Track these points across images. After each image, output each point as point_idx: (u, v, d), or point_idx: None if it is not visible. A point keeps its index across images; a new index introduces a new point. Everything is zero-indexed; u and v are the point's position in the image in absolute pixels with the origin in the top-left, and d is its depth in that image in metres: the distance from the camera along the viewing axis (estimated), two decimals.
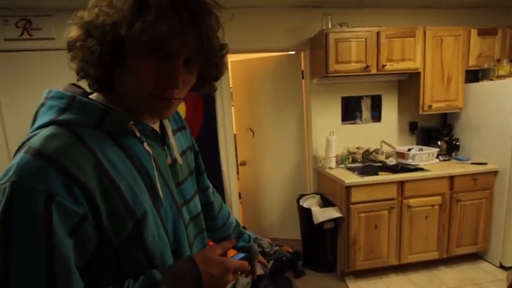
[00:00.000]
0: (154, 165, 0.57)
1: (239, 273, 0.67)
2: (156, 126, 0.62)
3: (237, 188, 2.92)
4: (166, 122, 0.67)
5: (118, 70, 0.51)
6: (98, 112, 0.51)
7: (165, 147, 0.63)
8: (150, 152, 0.57)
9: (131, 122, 0.54)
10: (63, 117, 0.49)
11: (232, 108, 2.99)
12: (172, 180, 0.63)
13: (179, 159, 0.66)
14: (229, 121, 2.76)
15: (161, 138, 0.63)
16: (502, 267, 2.44)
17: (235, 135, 3.03)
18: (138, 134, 0.55)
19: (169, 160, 0.63)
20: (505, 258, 2.41)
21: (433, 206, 2.36)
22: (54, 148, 0.44)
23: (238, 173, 3.16)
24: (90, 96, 0.55)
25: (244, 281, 2.05)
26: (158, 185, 0.56)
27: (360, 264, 2.32)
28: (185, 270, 0.54)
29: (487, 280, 2.32)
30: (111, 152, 0.51)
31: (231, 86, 2.96)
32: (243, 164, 3.18)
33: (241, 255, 0.69)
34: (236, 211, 2.87)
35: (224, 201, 2.82)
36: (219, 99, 2.68)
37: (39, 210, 0.41)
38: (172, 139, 0.66)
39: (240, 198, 3.21)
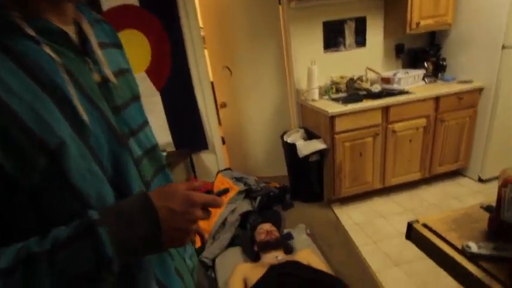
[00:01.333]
0: (66, 77, 0.42)
1: (210, 209, 0.55)
2: (69, 30, 0.46)
3: (220, 133, 2.81)
4: (87, 29, 0.50)
5: None
6: None
7: (89, 60, 0.48)
8: (53, 56, 0.41)
9: (16, 13, 0.38)
10: None
11: (206, 51, 2.73)
12: (105, 102, 0.49)
13: (112, 78, 0.51)
14: (203, 65, 2.53)
15: (82, 49, 0.47)
16: (480, 180, 2.54)
17: (212, 82, 2.82)
18: (29, 32, 0.39)
19: (96, 77, 0.48)
20: (484, 171, 2.50)
21: (417, 128, 2.34)
22: None
23: (219, 117, 3.03)
24: None
25: (232, 218, 2.07)
26: (78, 103, 0.42)
27: (345, 191, 2.37)
28: (133, 206, 0.42)
29: (465, 193, 2.43)
30: None
31: (201, 25, 2.64)
32: (223, 105, 3.03)
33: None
34: (220, 156, 2.81)
35: (207, 147, 2.76)
36: (189, 44, 2.41)
37: None
38: (98, 50, 0.50)
39: (224, 143, 3.14)
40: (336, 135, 2.19)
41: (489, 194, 2.38)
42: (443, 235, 0.67)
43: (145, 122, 0.61)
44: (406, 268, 1.76)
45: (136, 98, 0.60)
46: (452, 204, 2.31)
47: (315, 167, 2.42)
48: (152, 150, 0.60)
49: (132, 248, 0.41)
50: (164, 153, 2.54)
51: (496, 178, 2.52)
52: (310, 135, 2.47)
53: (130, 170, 0.50)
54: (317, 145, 2.27)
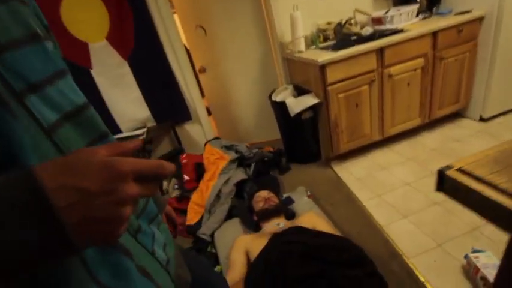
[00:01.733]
0: None
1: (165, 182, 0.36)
2: None
3: (203, 103, 2.58)
4: None
5: None
6: None
7: None
8: None
9: None
10: None
11: (176, 15, 2.41)
12: None
13: None
14: (173, 29, 2.23)
15: None
16: (481, 119, 2.42)
17: (188, 49, 2.54)
18: None
19: None
20: (486, 110, 2.36)
21: (415, 70, 2.15)
22: None
23: (201, 87, 2.78)
24: None
25: (227, 189, 1.93)
26: None
27: (343, 147, 2.23)
28: (5, 193, 0.24)
29: (467, 135, 2.32)
30: None
31: None
32: (203, 70, 2.76)
33: None
34: (207, 125, 2.61)
35: (190, 117, 2.55)
36: (154, 8, 2.09)
37: None
38: None
39: (210, 114, 2.92)
40: (328, 87, 1.99)
41: (493, 132, 2.27)
42: (488, 180, 0.51)
43: (60, 73, 0.41)
44: (414, 219, 1.67)
45: (36, 38, 0.38)
46: (455, 148, 2.21)
47: (309, 124, 2.25)
48: (78, 112, 0.41)
49: (14, 260, 0.24)
50: (145, 129, 2.32)
51: (499, 115, 2.41)
52: (300, 91, 2.26)
53: (27, 143, 0.31)
54: (309, 100, 2.07)
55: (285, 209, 1.67)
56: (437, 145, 2.28)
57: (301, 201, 1.83)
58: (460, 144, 2.23)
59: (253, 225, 1.65)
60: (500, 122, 2.37)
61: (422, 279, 1.33)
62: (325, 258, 1.16)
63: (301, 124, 2.22)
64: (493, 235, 1.46)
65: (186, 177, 2.05)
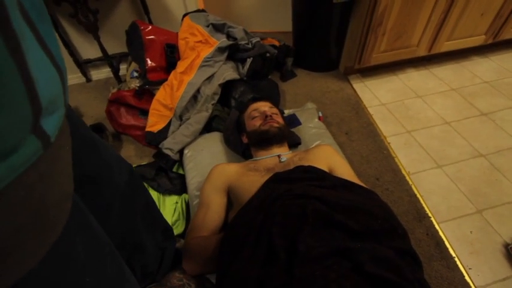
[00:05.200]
0: None
1: None
2: None
3: None
4: None
5: None
6: None
7: None
8: None
9: None
10: None
11: None
12: None
13: None
14: None
15: None
16: None
17: None
18: None
19: None
20: None
21: None
22: None
23: None
24: None
25: (209, 91, 1.34)
26: None
27: (376, 58, 1.62)
28: None
29: None
30: None
31: None
32: None
33: None
34: None
35: None
36: None
37: None
38: None
39: None
40: None
41: None
42: None
43: None
44: (450, 170, 1.28)
45: None
46: None
47: (339, 14, 1.54)
48: None
49: None
50: None
51: None
52: None
53: None
54: None
55: (290, 135, 1.18)
56: (491, 77, 1.75)
57: (310, 124, 1.33)
58: None
59: (240, 148, 1.17)
60: None
61: (453, 254, 1.02)
62: (349, 227, 0.74)
63: (329, 11, 1.50)
64: None
65: (150, 63, 1.40)
